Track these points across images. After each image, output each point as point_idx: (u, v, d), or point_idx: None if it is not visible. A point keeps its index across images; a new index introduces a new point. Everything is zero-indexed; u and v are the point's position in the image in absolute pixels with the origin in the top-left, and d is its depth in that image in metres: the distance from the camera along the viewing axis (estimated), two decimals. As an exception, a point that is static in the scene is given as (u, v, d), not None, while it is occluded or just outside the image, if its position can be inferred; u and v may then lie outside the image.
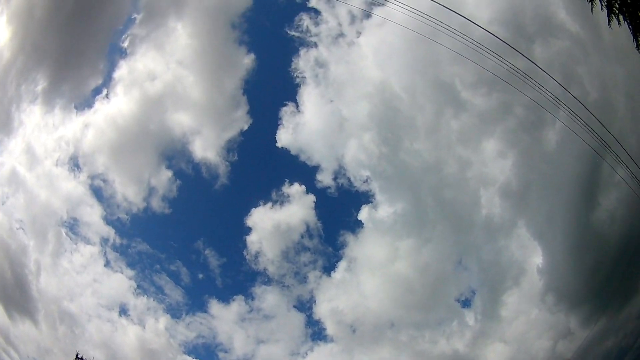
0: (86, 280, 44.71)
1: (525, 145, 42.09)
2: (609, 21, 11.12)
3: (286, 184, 53.25)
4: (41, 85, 39.20)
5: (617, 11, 10.53)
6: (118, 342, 39.55)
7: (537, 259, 40.62)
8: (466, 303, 47.78)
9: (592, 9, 11.83)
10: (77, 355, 22.78)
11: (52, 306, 38.21)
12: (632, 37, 10.61)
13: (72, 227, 46.72)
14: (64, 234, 43.19)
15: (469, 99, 46.28)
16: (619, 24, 10.67)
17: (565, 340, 33.87)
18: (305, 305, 51.22)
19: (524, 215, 41.75)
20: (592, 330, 26.51)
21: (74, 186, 44.93)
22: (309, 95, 51.67)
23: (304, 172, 52.47)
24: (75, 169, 46.63)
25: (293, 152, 49.90)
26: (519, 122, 41.93)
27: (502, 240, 42.01)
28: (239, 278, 54.84)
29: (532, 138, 40.91)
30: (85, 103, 46.42)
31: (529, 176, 40.66)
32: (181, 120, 49.89)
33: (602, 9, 11.44)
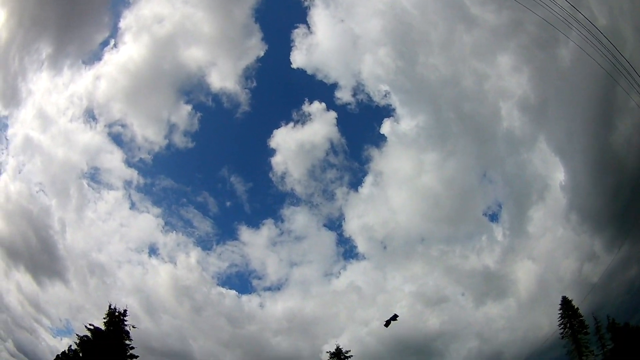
0: (113, 227, 46.07)
1: (539, 62, 40.42)
2: None
3: (306, 103, 52.96)
4: (45, 52, 38.01)
5: None
6: (150, 285, 41.47)
7: (559, 175, 40.60)
8: (494, 217, 48.61)
9: None
10: (109, 306, 23.27)
11: (81, 261, 39.56)
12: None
13: (94, 176, 47.46)
14: (86, 185, 43.86)
15: (479, 14, 43.75)
16: None
17: (590, 263, 34.97)
18: (335, 223, 52.47)
19: (543, 130, 41.24)
20: (616, 256, 27.00)
21: (91, 137, 44.96)
22: (319, 17, 49.64)
23: (323, 90, 51.86)
24: (91, 120, 46.42)
25: (309, 72, 49.06)
26: (532, 39, 39.83)
27: (524, 154, 42.11)
28: (267, 201, 55.93)
29: (546, 55, 39.08)
30: (93, 57, 45.32)
31: (545, 92, 39.53)
32: (195, 55, 48.46)
33: None
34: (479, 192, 46.01)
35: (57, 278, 36.87)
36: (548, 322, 33.39)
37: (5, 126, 37.80)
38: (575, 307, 31.22)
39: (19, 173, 38.07)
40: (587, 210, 36.43)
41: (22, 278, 34.70)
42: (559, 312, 31.99)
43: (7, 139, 37.88)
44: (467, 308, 41.19)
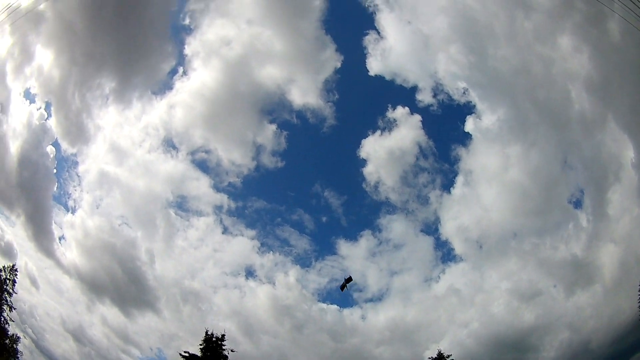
0: (206, 253, 44.25)
1: (594, 39, 39.86)
2: None
3: (389, 109, 51.79)
4: (108, 87, 37.25)
5: None
6: (249, 307, 39.59)
7: (629, 153, 39.52)
8: (577, 204, 47.33)
9: None
10: (206, 332, 21.93)
11: (173, 289, 37.83)
12: None
13: (181, 205, 45.83)
14: (173, 215, 42.25)
15: None
16: None
17: None
18: (431, 228, 50.60)
19: (611, 108, 40.32)
20: None
21: (173, 166, 43.54)
22: (386, 20, 49.16)
23: (404, 94, 50.78)
24: (171, 149, 45.05)
25: (387, 77, 48.21)
26: (583, 17, 39.47)
27: (598, 135, 40.98)
28: (363, 213, 54.14)
29: (599, 32, 38.57)
30: (163, 87, 44.27)
31: (605, 69, 38.77)
32: (271, 74, 47.46)
33: None
34: (562, 180, 45.07)
35: (148, 308, 35.31)
36: (629, 305, 32.25)
37: (76, 163, 37.22)
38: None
39: (97, 208, 37.17)
40: None
41: (108, 311, 33.63)
42: (639, 293, 31.17)
43: (79, 176, 37.16)
44: (559, 299, 39.51)
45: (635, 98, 34.76)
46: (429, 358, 26.99)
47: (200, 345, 22.27)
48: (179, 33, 42.99)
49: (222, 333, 22.50)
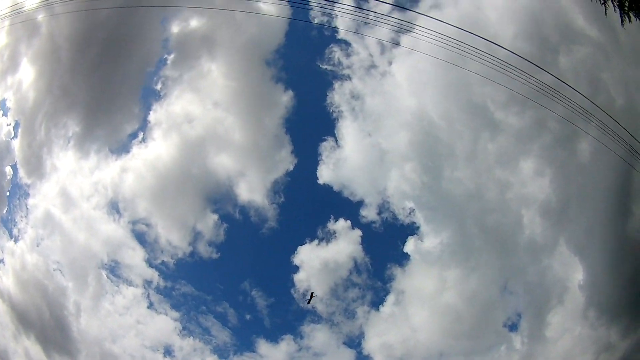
0: (129, 322, 45.26)
1: (561, 161, 40.78)
2: (622, 21, 11.69)
3: (331, 221, 52.91)
4: (72, 129, 39.01)
5: (627, 9, 11.07)
6: None
7: (578, 275, 38.54)
8: (513, 327, 45.59)
9: (605, 11, 12.38)
10: None
11: (94, 347, 39.10)
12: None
13: (113, 269, 47.84)
14: (105, 276, 43.87)
15: (502, 119, 45.77)
16: (630, 21, 11.20)
17: (606, 354, 31.88)
18: (354, 342, 50.41)
19: (564, 232, 39.79)
20: (633, 341, 25.69)
21: (114, 229, 45.44)
22: (347, 129, 52.06)
23: (348, 208, 52.77)
24: (115, 212, 47.67)
25: (336, 188, 49.84)
26: (554, 138, 40.90)
27: (545, 260, 40.14)
28: (287, 317, 54.73)
29: (567, 152, 39.78)
30: (121, 148, 46.74)
31: (567, 191, 39.10)
32: (225, 163, 50.47)
33: (614, 10, 12.07)
34: (500, 304, 43.84)
35: (68, 357, 36.47)
36: None
37: (27, 195, 39.14)
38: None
39: (37, 246, 38.51)
40: (604, 304, 34.22)
41: (32, 347, 34.27)
42: None
43: (27, 208, 39.31)
44: None
45: (592, 219, 34.71)
46: None
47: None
48: (149, 97, 45.27)
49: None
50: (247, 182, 50.46)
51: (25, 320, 35.25)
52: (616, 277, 33.43)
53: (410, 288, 46.14)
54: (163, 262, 48.22)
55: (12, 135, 35.63)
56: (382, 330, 45.53)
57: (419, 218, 46.17)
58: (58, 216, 40.89)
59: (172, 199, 48.50)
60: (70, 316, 38.08)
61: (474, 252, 44.69)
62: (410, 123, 48.04)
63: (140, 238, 47.71)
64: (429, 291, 45.35)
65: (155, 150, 46.23)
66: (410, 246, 45.80)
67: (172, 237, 46.48)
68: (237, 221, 52.91)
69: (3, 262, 37.50)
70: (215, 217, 49.36)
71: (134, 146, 46.48)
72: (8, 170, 38.30)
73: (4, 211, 38.37)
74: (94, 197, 44.33)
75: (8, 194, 38.20)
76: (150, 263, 47.97)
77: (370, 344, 44.71)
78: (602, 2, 11.97)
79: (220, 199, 51.49)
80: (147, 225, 47.91)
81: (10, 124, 35.52)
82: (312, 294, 27.96)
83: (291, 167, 49.29)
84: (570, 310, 37.98)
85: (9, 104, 34.88)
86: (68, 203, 41.78)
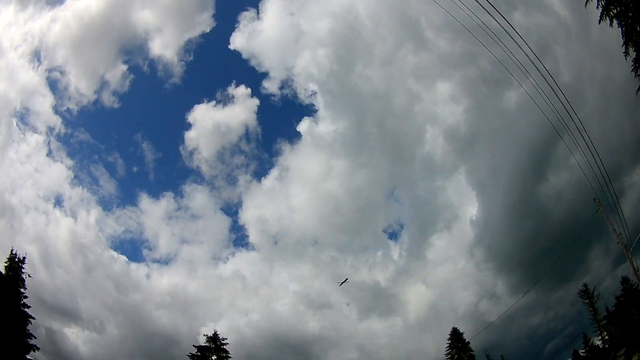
0: (28, 171, 42.74)
1: (482, 97, 43.98)
2: (600, 20, 11.82)
3: (232, 85, 52.60)
4: None
5: (613, 15, 11.15)
6: (51, 236, 38.88)
7: (472, 209, 44.03)
8: (393, 235, 51.22)
9: (586, 2, 12.30)
10: (11, 250, 21.86)
11: None
12: (621, 42, 11.28)
13: (23, 117, 43.92)
14: (15, 124, 40.15)
15: (432, 39, 46.73)
16: (610, 25, 11.40)
17: (490, 302, 38.51)
18: (232, 209, 52.70)
19: (466, 163, 44.59)
20: (519, 300, 29.43)
21: (31, 77, 41.54)
22: (271, 4, 49.87)
23: (252, 76, 52.59)
24: (36, 60, 43.06)
25: (244, 56, 48.92)
26: (482, 75, 43.48)
27: (439, 181, 45.14)
28: (171, 174, 55.16)
29: (491, 92, 42.76)
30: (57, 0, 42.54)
31: (479, 127, 42.92)
32: (146, 17, 46.25)
33: (597, 6, 12.09)
34: (383, 209, 49.32)
35: None
36: (435, 349, 35.83)
37: None
38: (467, 340, 34.02)
39: None
40: (494, 250, 40.25)
41: None
42: (447, 342, 34.79)
43: None
44: (351, 319, 43.63)
45: (501, 164, 38.84)
46: (205, 335, 26.84)
47: (5, 263, 22.16)
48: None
49: (24, 256, 21.56)
50: (162, 38, 46.95)
51: None
52: (514, 232, 38.10)
53: (296, 167, 48.79)
54: (68, 109, 44.54)
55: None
56: (260, 202, 47.92)
57: (319, 102, 47.92)
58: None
59: (90, 49, 43.72)
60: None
61: (367, 149, 47.99)
62: (336, 13, 46.95)
63: (53, 85, 43.16)
64: (313, 175, 48.30)
65: (86, 2, 40.65)
66: (304, 126, 47.57)
67: (81, 84, 42.81)
68: (144, 74, 49.42)
69: None
70: (124, 67, 46.12)
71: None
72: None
73: None
74: (21, 47, 39.07)
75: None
76: (56, 110, 43.96)
77: (247, 215, 47.09)
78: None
79: (133, 50, 47.53)
80: (62, 72, 43.11)
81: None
82: (346, 279, 26.93)
83: (208, 30, 47.09)
84: (456, 240, 43.29)
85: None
86: (-1, 53, 36.00)
